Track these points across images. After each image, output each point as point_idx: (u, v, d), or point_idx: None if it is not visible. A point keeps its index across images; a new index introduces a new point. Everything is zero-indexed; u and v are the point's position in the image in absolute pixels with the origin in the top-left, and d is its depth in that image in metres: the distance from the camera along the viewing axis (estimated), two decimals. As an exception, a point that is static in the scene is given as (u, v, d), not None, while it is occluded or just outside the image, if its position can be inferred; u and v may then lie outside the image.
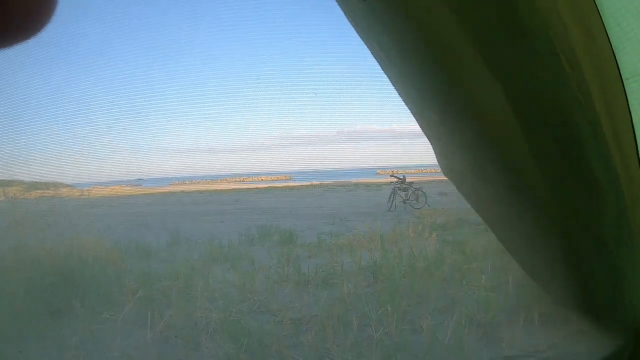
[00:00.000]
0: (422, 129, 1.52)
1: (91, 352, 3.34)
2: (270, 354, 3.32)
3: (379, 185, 18.63)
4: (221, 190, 18.75)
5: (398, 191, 12.98)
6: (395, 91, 1.38)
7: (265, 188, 19.46)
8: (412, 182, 13.30)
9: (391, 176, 13.64)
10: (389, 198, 12.75)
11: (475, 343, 3.47)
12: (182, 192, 18.15)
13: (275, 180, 22.59)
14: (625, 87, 1.13)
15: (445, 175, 1.65)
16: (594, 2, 1.03)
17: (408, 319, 3.82)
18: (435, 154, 1.62)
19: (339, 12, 1.15)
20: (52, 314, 3.85)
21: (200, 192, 18.08)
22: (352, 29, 1.20)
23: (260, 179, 22.27)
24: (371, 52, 1.25)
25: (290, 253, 6.44)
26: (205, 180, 19.75)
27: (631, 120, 1.16)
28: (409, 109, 1.43)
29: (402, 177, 13.42)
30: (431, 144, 1.59)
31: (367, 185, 19.50)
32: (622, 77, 1.12)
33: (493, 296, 4.07)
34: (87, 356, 3.28)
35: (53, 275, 4.26)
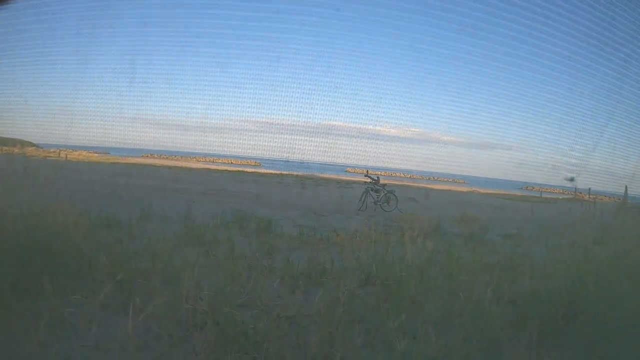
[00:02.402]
0: None
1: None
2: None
3: (348, 183, 18.56)
4: (191, 168, 18.20)
5: (370, 191, 12.87)
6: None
7: (235, 171, 19.06)
8: (385, 184, 13.19)
9: (365, 175, 13.46)
10: (361, 197, 12.63)
11: None
12: (152, 165, 17.48)
13: (245, 164, 22.24)
14: None
15: None
16: None
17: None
18: None
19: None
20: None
21: (170, 167, 17.47)
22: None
23: (230, 162, 21.84)
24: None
25: (271, 243, 6.15)
26: (175, 156, 19.17)
27: None
28: None
29: (376, 178, 13.29)
30: None
31: (337, 182, 19.39)
32: None
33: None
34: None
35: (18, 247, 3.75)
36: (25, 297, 3.39)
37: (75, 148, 15.74)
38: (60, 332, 3.03)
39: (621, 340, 3.32)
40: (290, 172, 19.47)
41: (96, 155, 17.42)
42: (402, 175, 24.66)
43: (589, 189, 12.14)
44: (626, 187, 9.37)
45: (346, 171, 22.34)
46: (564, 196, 18.22)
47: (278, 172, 19.62)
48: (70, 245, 4.21)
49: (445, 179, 26.28)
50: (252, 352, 3.00)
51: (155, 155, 18.86)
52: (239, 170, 19.44)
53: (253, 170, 20.82)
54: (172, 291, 3.53)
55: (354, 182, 16.76)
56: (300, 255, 5.48)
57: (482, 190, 22.77)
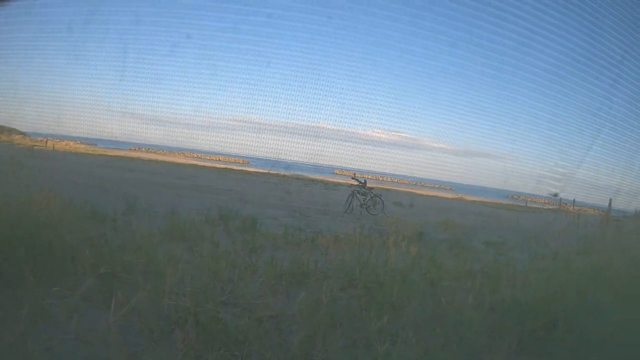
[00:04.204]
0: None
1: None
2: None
3: (335, 185, 18.55)
4: (179, 164, 18.06)
5: (357, 194, 12.89)
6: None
7: (223, 168, 18.97)
8: (372, 188, 13.22)
9: (352, 178, 13.47)
10: (347, 199, 12.64)
11: None
12: (139, 159, 17.33)
13: (233, 162, 22.03)
14: None
15: None
16: None
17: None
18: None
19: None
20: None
21: (157, 162, 17.34)
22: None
23: (218, 159, 21.63)
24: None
25: (255, 241, 6.13)
26: (163, 150, 18.93)
27: None
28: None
29: (363, 181, 13.31)
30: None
31: (324, 183, 19.35)
32: None
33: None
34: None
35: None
36: (7, 287, 3.33)
37: (63, 138, 15.53)
38: (41, 323, 2.99)
39: (601, 350, 3.37)
40: (278, 172, 19.38)
41: (84, 146, 17.24)
42: (389, 179, 24.68)
43: (574, 200, 12.28)
44: (610, 200, 9.50)
45: (334, 173, 22.29)
46: (549, 206, 18.38)
47: (266, 171, 19.49)
48: (54, 237, 4.16)
49: (433, 185, 26.37)
50: (234, 350, 2.99)
51: (143, 149, 18.65)
52: (226, 168, 19.34)
53: (241, 168, 20.70)
54: (154, 286, 3.50)
55: (342, 184, 16.77)
56: (285, 255, 5.46)
57: (468, 198, 22.93)
